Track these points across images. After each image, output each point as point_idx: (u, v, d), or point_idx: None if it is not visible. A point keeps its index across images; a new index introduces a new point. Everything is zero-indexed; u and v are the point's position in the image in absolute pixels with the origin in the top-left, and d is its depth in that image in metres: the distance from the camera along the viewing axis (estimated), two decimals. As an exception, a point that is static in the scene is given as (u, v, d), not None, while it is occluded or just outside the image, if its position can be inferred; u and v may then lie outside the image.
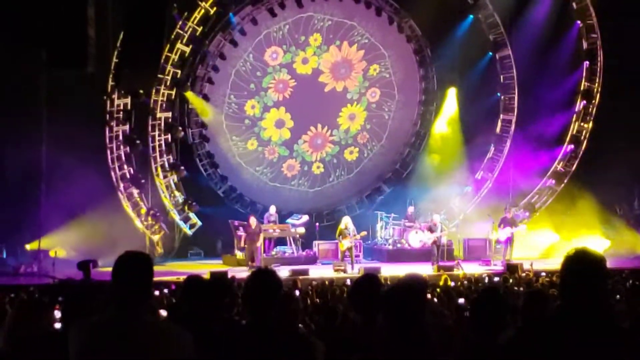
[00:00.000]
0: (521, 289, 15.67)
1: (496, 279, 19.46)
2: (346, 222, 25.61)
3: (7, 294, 17.06)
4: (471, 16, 29.52)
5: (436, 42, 29.85)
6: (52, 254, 24.73)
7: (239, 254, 26.36)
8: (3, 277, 23.49)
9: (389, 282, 16.57)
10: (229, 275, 20.08)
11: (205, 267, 24.54)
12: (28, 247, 25.45)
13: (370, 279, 6.45)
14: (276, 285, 5.45)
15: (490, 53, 30.07)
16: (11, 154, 24.35)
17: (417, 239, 27.73)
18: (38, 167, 24.62)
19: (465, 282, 18.76)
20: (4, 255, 25.76)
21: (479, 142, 30.41)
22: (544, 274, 20.43)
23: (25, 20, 22.45)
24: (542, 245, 28.56)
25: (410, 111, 31.33)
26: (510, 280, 18.41)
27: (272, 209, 27.32)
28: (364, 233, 26.14)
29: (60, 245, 24.98)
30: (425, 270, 22.67)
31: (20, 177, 24.99)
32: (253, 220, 25.93)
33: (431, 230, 26.26)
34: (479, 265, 26.18)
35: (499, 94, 30.27)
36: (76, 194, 24.21)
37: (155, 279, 18.05)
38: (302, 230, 27.37)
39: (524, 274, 21.35)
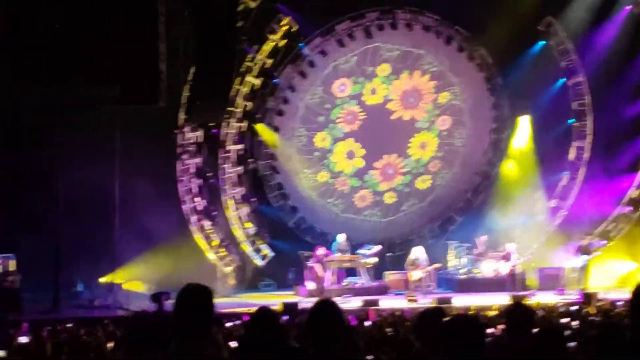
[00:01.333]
0: (597, 318, 15.38)
1: (572, 308, 19.13)
2: (417, 252, 25.43)
3: (83, 327, 17.27)
4: (542, 42, 29.28)
5: (507, 69, 29.58)
6: (125, 286, 25.01)
7: (310, 285, 26.34)
8: (79, 310, 23.80)
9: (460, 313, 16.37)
10: (300, 307, 20.09)
11: (276, 298, 24.56)
12: (102, 280, 25.75)
13: (436, 310, 6.40)
14: (337, 315, 5.40)
15: (563, 79, 29.72)
16: (87, 188, 24.71)
17: (490, 268, 27.41)
18: (112, 200, 24.94)
19: (540, 311, 18.48)
20: (80, 288, 26.09)
21: (552, 170, 30.01)
22: (620, 302, 20.03)
23: (99, 59, 22.96)
24: (618, 273, 28.06)
25: (481, 139, 31.01)
26: (586, 310, 18.09)
27: (342, 237, 27.17)
28: (438, 265, 25.99)
29: (133, 278, 25.25)
30: (499, 300, 22.37)
31: (95, 210, 25.35)
32: (322, 251, 25.94)
33: (506, 259, 25.97)
34: (554, 294, 25.79)
35: (571, 121, 29.88)
36: (149, 226, 24.55)
37: (227, 310, 18.20)
38: (373, 260, 27.21)
39: (599, 303, 20.96)
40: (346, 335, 6.34)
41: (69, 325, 18.47)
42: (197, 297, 5.06)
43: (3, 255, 24.11)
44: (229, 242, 27.38)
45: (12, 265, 24.13)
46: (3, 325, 18.95)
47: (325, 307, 5.39)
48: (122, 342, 12.18)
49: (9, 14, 24.93)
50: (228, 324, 16.62)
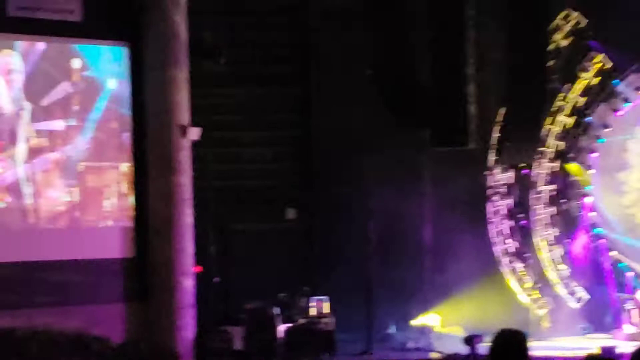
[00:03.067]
0: None
1: None
2: None
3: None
4: None
5: None
6: (437, 329, 25.18)
7: (629, 329, 25.45)
8: (392, 353, 24.24)
9: None
10: (617, 352, 19.48)
11: (593, 342, 23.98)
12: (414, 321, 26.03)
13: None
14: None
15: None
16: (397, 229, 25.20)
17: None
18: (422, 241, 25.23)
19: None
20: (393, 331, 26.50)
21: None
22: None
23: (407, 103, 23.57)
24: None
25: None
26: None
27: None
28: None
29: (444, 320, 25.37)
30: None
31: (406, 251, 25.75)
32: (640, 294, 25.20)
33: None
34: None
35: None
36: (459, 268, 24.67)
37: (542, 354, 17.94)
38: None
39: None
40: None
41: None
42: (512, 341, 5.01)
43: (317, 297, 24.91)
44: (542, 284, 26.98)
45: (326, 307, 24.88)
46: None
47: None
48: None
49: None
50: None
